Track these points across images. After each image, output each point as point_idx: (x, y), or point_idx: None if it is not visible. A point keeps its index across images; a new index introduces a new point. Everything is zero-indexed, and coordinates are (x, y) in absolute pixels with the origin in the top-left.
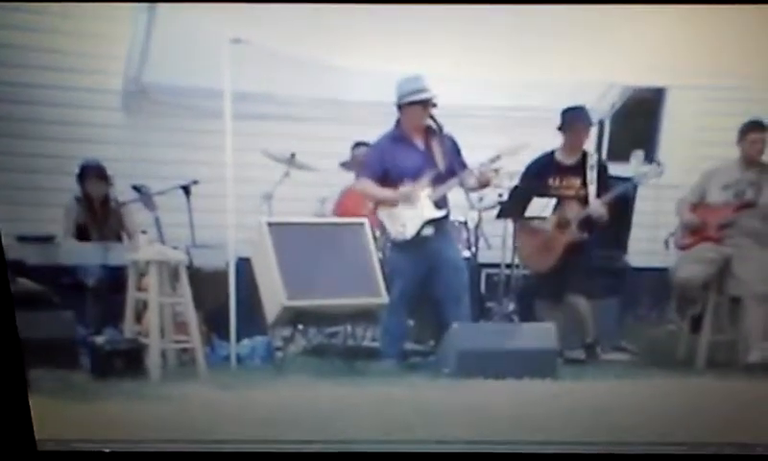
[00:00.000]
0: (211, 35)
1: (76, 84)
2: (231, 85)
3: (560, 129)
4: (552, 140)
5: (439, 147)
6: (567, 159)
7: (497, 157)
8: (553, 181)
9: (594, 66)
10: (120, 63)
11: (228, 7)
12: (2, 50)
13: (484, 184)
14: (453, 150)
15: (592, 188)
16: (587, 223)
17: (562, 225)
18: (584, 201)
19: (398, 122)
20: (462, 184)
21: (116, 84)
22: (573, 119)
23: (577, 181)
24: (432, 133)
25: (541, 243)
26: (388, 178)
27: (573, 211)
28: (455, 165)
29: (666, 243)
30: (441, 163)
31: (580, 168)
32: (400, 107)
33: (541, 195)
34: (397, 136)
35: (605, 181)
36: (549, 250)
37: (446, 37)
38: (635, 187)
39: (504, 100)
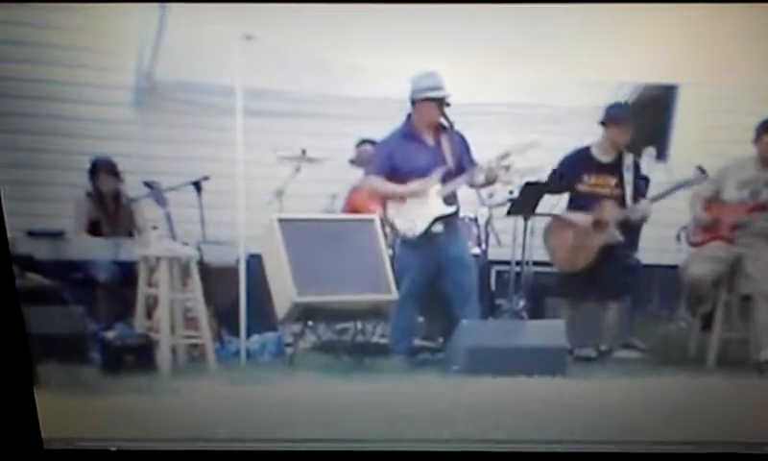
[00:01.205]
0: (223, 31)
1: (87, 81)
2: (242, 82)
3: (602, 124)
4: (562, 138)
5: (448, 144)
6: (604, 157)
7: (506, 155)
8: (588, 178)
9: (605, 64)
10: (132, 60)
11: (239, 4)
12: (13, 46)
13: (491, 181)
14: (462, 147)
15: (629, 189)
16: (626, 224)
17: (598, 225)
18: (620, 201)
19: (409, 117)
20: (470, 181)
21: (128, 81)
22: (618, 115)
23: (612, 180)
24: (442, 129)
25: (575, 242)
26: (397, 174)
27: (611, 211)
28: (464, 162)
29: (678, 237)
30: (450, 160)
31: (616, 167)
32: (414, 102)
33: (571, 188)
34: (407, 133)
35: (640, 183)
36: (582, 250)
37: (456, 35)
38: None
39: (513, 97)
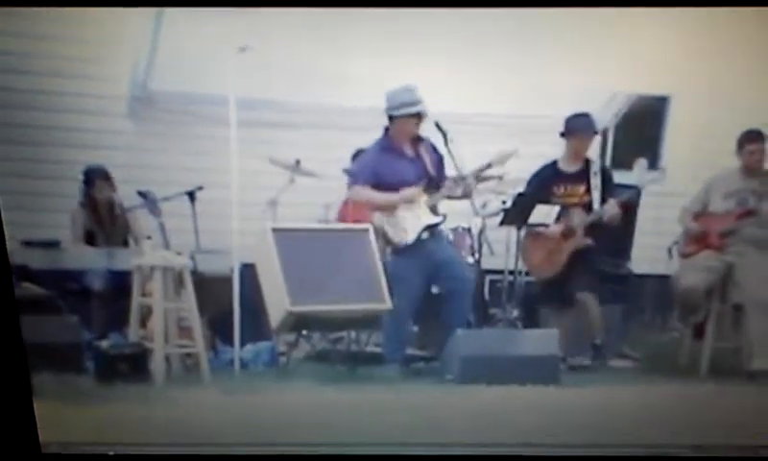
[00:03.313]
0: (217, 42)
1: (83, 91)
2: (237, 93)
3: (563, 136)
4: (555, 148)
5: (427, 154)
6: (570, 167)
7: (488, 166)
8: (557, 190)
9: (598, 75)
10: (127, 70)
11: (233, 15)
12: (9, 57)
13: (468, 194)
14: (438, 157)
15: (596, 194)
16: (593, 228)
17: (567, 232)
18: (588, 207)
19: (387, 130)
20: (450, 193)
21: (123, 91)
22: (577, 126)
23: (581, 189)
24: (419, 140)
25: (547, 251)
26: (382, 184)
27: (578, 218)
28: (443, 172)
29: (670, 251)
30: (432, 169)
31: (583, 175)
32: (391, 117)
33: (545, 202)
34: (386, 146)
35: (610, 186)
36: (555, 257)
37: (448, 46)
38: (639, 193)
39: (507, 108)
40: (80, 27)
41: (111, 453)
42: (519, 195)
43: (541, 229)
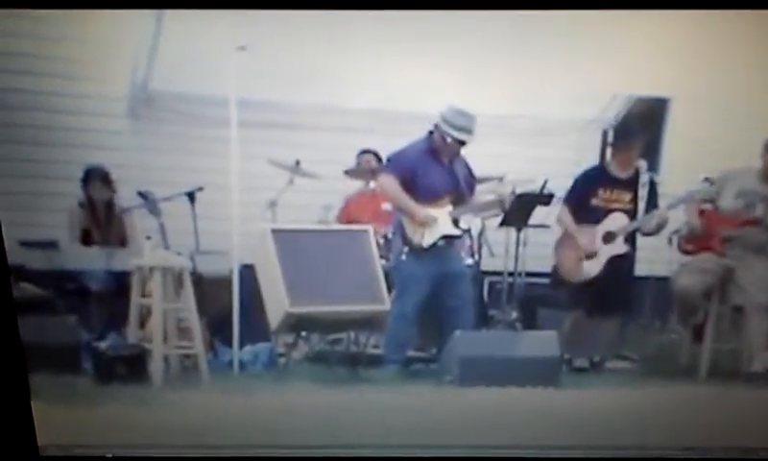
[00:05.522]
0: (217, 43)
1: (82, 91)
2: (237, 93)
3: (613, 143)
4: (555, 150)
5: (461, 171)
6: (621, 173)
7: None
8: (603, 193)
9: (598, 77)
10: (126, 71)
11: (234, 16)
12: (8, 57)
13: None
14: (469, 173)
15: (642, 204)
16: (634, 235)
17: (607, 237)
18: (631, 214)
19: (431, 134)
20: (475, 210)
21: (122, 91)
22: (626, 134)
23: (627, 196)
24: (457, 156)
25: (583, 253)
26: (412, 183)
27: (620, 224)
28: (471, 188)
29: (670, 240)
30: (463, 187)
31: (632, 183)
32: (442, 131)
33: (586, 203)
34: (430, 149)
35: (656, 197)
36: (590, 261)
37: (451, 48)
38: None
39: (506, 110)
40: (80, 28)
41: (110, 455)
42: (519, 196)
43: (582, 230)
